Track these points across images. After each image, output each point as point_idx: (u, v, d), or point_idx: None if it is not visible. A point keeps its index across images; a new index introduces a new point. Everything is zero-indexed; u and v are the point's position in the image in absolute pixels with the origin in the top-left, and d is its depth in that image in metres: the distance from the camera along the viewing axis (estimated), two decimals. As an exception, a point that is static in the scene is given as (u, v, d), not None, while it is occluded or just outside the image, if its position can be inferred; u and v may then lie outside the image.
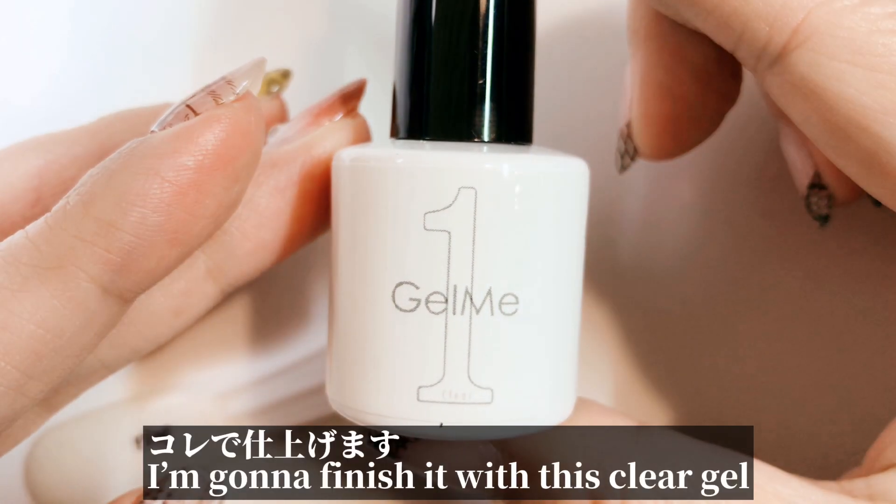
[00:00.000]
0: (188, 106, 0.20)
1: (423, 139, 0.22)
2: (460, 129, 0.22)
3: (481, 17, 0.22)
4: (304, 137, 0.24)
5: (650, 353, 0.29)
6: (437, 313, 0.21)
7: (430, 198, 0.20)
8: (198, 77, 0.30)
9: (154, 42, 0.30)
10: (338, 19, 0.30)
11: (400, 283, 0.21)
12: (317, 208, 0.24)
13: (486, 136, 0.22)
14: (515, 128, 0.22)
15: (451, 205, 0.20)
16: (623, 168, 0.27)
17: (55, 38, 0.30)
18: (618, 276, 0.29)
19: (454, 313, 0.20)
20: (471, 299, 0.20)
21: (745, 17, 0.19)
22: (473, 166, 0.20)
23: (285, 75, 0.27)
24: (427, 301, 0.21)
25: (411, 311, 0.21)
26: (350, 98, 0.25)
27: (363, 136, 0.25)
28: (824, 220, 0.25)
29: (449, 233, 0.20)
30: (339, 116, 0.24)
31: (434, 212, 0.20)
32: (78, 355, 0.19)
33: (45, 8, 0.30)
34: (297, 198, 0.24)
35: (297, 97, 0.27)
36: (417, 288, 0.21)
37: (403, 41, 0.22)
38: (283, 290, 0.30)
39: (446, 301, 0.20)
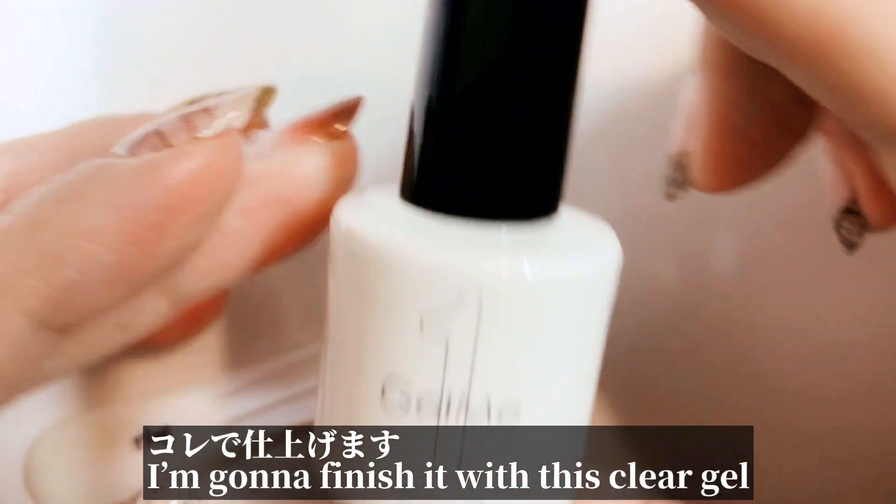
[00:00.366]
0: (159, 132, 0.18)
1: (434, 210, 0.19)
2: (479, 205, 0.19)
3: (520, 75, 0.18)
4: (284, 156, 0.21)
5: (650, 353, 0.29)
6: (429, 416, 0.18)
7: (430, 296, 0.18)
8: (197, 78, 0.30)
9: (154, 42, 0.30)
10: (344, 26, 0.30)
11: (390, 378, 0.18)
12: (288, 234, 0.21)
13: (508, 215, 0.19)
14: (543, 204, 0.20)
15: (452, 306, 0.18)
16: (670, 197, 0.24)
17: (55, 38, 0.30)
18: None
19: (447, 419, 0.18)
20: (466, 406, 0.18)
21: (883, 99, 0.16)
22: (481, 266, 0.18)
23: (268, 92, 0.23)
24: (418, 403, 0.18)
25: (400, 410, 0.18)
26: (341, 117, 0.22)
27: (350, 161, 0.22)
28: (852, 247, 0.23)
29: (448, 336, 0.18)
30: (325, 136, 0.22)
31: (433, 311, 0.18)
32: (8, 385, 0.18)
33: (44, 8, 0.30)
34: (266, 221, 0.21)
35: (299, 101, 0.27)
36: (408, 387, 0.18)
37: (425, 100, 0.19)
38: (283, 291, 0.30)
39: (440, 405, 0.18)
